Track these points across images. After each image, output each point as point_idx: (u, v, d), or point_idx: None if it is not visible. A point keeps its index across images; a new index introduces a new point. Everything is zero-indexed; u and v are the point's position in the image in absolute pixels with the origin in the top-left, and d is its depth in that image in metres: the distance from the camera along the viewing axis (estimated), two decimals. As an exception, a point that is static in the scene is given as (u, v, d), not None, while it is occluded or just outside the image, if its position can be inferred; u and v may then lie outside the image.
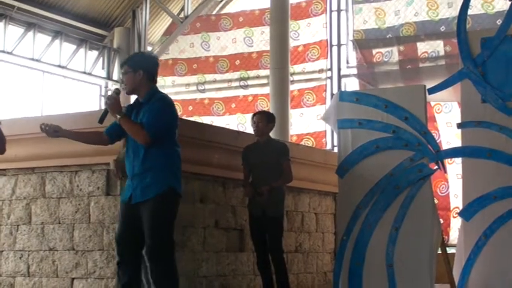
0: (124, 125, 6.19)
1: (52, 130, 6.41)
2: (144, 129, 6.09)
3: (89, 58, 18.64)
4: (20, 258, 8.52)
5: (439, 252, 8.06)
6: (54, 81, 17.54)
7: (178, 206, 6.39)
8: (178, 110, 18.31)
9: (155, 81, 6.48)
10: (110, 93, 6.48)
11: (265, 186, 8.39)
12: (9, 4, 16.10)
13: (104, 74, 18.88)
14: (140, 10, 18.74)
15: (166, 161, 6.21)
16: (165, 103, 6.30)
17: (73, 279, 8.07)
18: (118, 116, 6.19)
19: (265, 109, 16.01)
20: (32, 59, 16.87)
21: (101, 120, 6.50)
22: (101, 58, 18.90)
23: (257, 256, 8.78)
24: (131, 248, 6.21)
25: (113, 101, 6.22)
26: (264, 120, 8.78)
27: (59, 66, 17.60)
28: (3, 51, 15.95)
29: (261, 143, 8.74)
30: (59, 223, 8.28)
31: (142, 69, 6.28)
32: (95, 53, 18.92)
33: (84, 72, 18.40)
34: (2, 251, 8.62)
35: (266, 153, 8.63)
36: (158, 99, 6.27)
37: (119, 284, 6.37)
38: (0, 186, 8.71)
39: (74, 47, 18.28)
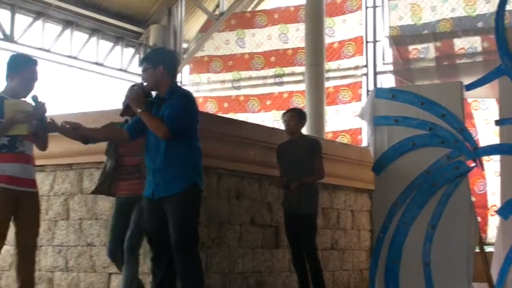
0: (144, 118, 6.18)
1: (72, 128, 6.47)
2: (165, 123, 6.11)
3: (125, 55, 18.76)
4: (59, 253, 8.60)
5: (477, 250, 8.01)
6: (91, 78, 17.67)
7: (201, 202, 6.41)
8: (213, 107, 18.65)
9: (175, 77, 6.48)
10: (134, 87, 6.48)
11: (295, 183, 8.38)
12: (47, 2, 16.23)
13: (140, 71, 18.95)
14: (176, 7, 18.81)
15: (189, 156, 6.20)
16: (187, 99, 6.29)
17: (110, 274, 8.13)
18: (139, 110, 6.22)
19: (301, 106, 16.00)
20: (70, 57, 17.00)
21: (123, 114, 6.59)
22: (137, 55, 19.00)
23: (292, 253, 8.78)
24: (163, 243, 6.23)
25: (134, 95, 6.25)
26: (295, 118, 8.77)
27: (96, 63, 17.73)
28: (41, 49, 16.08)
29: (294, 141, 8.73)
30: (96, 219, 8.35)
31: (162, 65, 6.27)
32: (131, 50, 19.02)
33: (121, 70, 18.51)
34: (41, 246, 8.69)
35: (298, 150, 8.61)
36: (180, 95, 6.26)
37: (154, 280, 6.40)
38: (39, 182, 8.77)
39: (110, 44, 18.40)
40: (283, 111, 9.20)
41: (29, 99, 6.60)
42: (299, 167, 8.51)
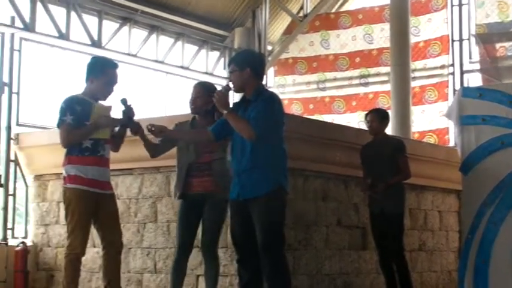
0: (230, 120, 6.22)
1: (158, 131, 6.59)
2: (251, 124, 6.13)
3: (210, 59, 18.88)
4: (147, 255, 8.73)
5: None
6: (177, 82, 17.83)
7: (286, 204, 6.39)
8: (299, 109, 18.65)
9: (262, 79, 6.52)
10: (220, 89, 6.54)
11: (381, 184, 8.34)
12: (134, 8, 16.45)
13: (225, 74, 19.09)
14: (260, 10, 18.84)
15: (274, 158, 6.21)
16: (273, 101, 6.30)
17: (198, 276, 8.21)
18: (225, 112, 6.26)
19: (386, 106, 15.90)
20: (156, 61, 17.19)
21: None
22: (222, 58, 19.10)
23: (378, 254, 8.75)
24: (249, 245, 6.25)
25: (221, 97, 6.30)
26: (377, 119, 8.74)
27: (181, 67, 17.88)
28: (128, 54, 16.30)
29: (377, 141, 8.70)
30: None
31: (249, 67, 6.30)
32: (216, 53, 19.14)
33: (206, 73, 18.63)
34: (130, 248, 8.84)
35: (383, 151, 8.57)
36: (266, 97, 6.28)
37: (240, 282, 6.43)
38: (127, 185, 8.94)
39: (195, 48, 18.54)
40: (368, 112, 9.17)
41: (117, 101, 6.75)
42: (384, 167, 8.47)
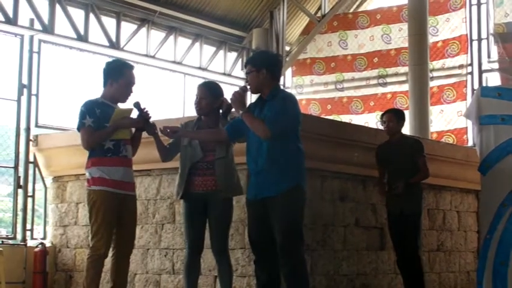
0: (246, 120, 6.26)
1: (172, 132, 6.63)
2: (266, 123, 6.14)
3: (228, 59, 18.92)
4: (165, 256, 8.74)
5: None
6: (195, 83, 17.85)
7: (305, 203, 6.40)
8: (316, 109, 18.64)
9: (278, 80, 6.55)
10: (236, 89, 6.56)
11: (401, 183, 8.34)
12: (152, 9, 16.50)
13: (243, 74, 19.10)
14: (278, 11, 18.86)
15: (291, 157, 6.23)
16: (289, 100, 6.33)
17: (215, 277, 8.20)
18: (241, 112, 6.29)
19: (405, 106, 15.88)
20: (174, 62, 17.24)
21: (224, 114, 6.70)
22: (240, 59, 19.13)
23: (397, 254, 8.73)
24: (266, 246, 6.26)
25: (237, 97, 6.35)
26: (393, 119, 8.74)
27: (200, 68, 17.93)
28: (146, 55, 16.36)
29: (394, 141, 8.69)
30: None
31: (265, 68, 6.33)
32: (234, 54, 19.17)
33: (224, 74, 18.67)
34: (148, 249, 8.86)
35: (401, 151, 8.57)
36: (282, 97, 6.31)
37: (258, 283, 6.43)
38: (145, 187, 8.96)
39: (213, 49, 18.58)
40: (386, 112, 9.15)
41: (130, 105, 6.80)
42: (403, 167, 8.47)
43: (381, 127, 9.16)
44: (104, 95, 6.81)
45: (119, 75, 6.76)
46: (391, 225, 8.69)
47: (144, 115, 6.76)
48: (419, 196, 8.64)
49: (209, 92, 6.97)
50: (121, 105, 6.88)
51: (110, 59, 7.32)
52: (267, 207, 6.17)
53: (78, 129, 6.73)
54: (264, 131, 6.13)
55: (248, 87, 6.46)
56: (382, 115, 8.92)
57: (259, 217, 6.26)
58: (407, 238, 8.49)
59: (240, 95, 6.36)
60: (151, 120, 6.82)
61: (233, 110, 6.58)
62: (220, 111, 6.90)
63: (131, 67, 6.89)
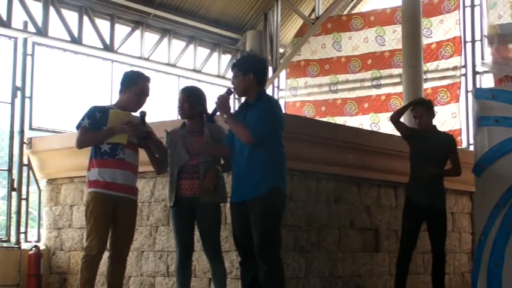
0: (230, 123, 6.37)
1: (193, 150, 6.78)
2: (249, 129, 6.18)
3: (222, 62, 18.92)
4: (160, 258, 8.74)
5: None
6: (190, 85, 17.86)
7: (285, 206, 6.47)
8: (311, 111, 18.63)
9: (264, 85, 6.60)
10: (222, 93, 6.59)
11: (435, 168, 8.32)
12: (146, 12, 16.49)
13: (236, 77, 19.09)
14: (272, 12, 18.86)
15: (272, 161, 6.27)
16: (271, 105, 6.40)
17: (210, 279, 8.20)
18: (225, 116, 6.36)
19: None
20: (168, 64, 17.24)
21: (210, 118, 6.78)
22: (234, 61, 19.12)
23: (403, 249, 8.53)
24: (249, 248, 6.30)
25: (222, 101, 6.40)
26: (425, 112, 8.62)
27: (194, 70, 17.93)
28: (140, 58, 16.35)
29: (428, 134, 8.59)
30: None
31: (252, 72, 6.39)
32: (228, 56, 19.17)
33: (218, 76, 18.67)
34: (143, 251, 8.86)
35: (435, 145, 8.48)
36: (265, 102, 6.36)
37: (243, 284, 6.46)
38: (139, 189, 8.94)
39: (207, 51, 18.58)
40: (381, 113, 9.12)
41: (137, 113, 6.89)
42: (435, 161, 8.39)
43: (375, 129, 9.14)
44: (117, 102, 7.03)
45: (132, 84, 6.92)
46: (412, 215, 8.50)
47: (139, 127, 6.81)
48: (445, 195, 8.62)
49: (191, 95, 7.00)
50: (119, 110, 6.94)
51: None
52: (248, 209, 6.24)
53: (76, 129, 6.93)
54: (246, 137, 6.21)
55: (233, 90, 6.52)
56: (411, 110, 8.79)
57: (242, 219, 6.33)
58: (436, 234, 8.45)
59: (224, 99, 6.42)
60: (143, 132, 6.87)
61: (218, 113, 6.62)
62: (204, 115, 6.93)
63: (146, 78, 7.04)
